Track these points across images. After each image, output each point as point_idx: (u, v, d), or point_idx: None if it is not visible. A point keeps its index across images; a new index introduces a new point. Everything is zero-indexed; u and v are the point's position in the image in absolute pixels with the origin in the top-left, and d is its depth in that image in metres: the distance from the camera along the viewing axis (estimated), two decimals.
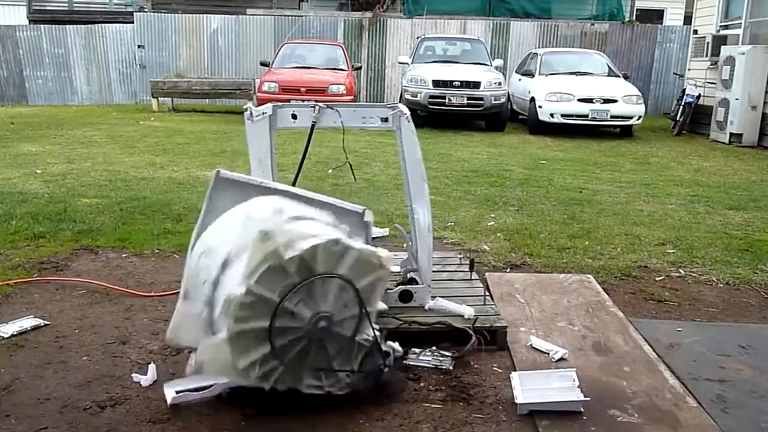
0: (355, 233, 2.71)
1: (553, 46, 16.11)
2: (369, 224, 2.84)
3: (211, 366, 2.37)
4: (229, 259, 2.39)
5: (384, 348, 2.63)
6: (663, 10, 21.89)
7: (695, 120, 12.47)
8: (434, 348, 3.01)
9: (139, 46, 16.64)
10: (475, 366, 2.94)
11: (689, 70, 13.49)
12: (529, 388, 2.65)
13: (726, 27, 12.36)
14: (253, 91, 13.58)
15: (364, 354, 2.55)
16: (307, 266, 2.33)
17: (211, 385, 2.46)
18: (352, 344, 2.52)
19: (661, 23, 20.09)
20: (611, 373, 2.89)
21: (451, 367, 2.89)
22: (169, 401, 2.51)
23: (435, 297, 3.31)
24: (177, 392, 2.51)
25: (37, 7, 18.94)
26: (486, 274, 4.09)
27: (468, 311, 3.17)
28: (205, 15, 16.80)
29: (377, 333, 2.59)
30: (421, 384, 2.77)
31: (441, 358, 2.94)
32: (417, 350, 2.98)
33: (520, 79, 13.58)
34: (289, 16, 17.19)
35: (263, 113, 3.17)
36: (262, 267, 2.28)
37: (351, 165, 3.55)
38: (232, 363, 2.33)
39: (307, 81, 12.36)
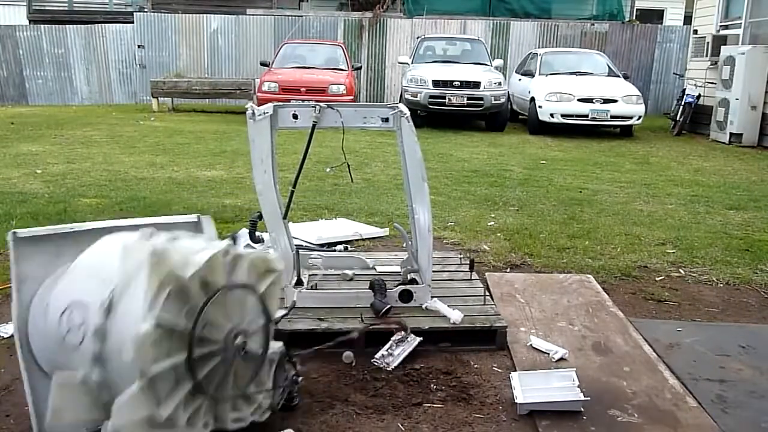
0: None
1: (553, 46, 16.11)
2: (208, 229, 2.62)
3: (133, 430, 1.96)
4: (113, 301, 2.02)
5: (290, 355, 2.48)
6: (663, 10, 21.89)
7: (695, 120, 12.47)
8: (397, 337, 2.97)
9: (139, 46, 16.64)
10: (475, 366, 2.94)
11: (689, 70, 13.49)
12: (529, 388, 2.65)
13: (726, 27, 12.36)
14: (253, 91, 13.58)
15: (274, 368, 2.37)
16: (207, 282, 2.07)
17: None
18: (264, 360, 2.28)
19: (661, 23, 20.09)
20: (611, 373, 2.89)
21: (416, 343, 2.93)
22: None
23: (433, 298, 3.31)
24: None
25: (37, 7, 18.94)
26: (486, 274, 4.08)
27: (456, 316, 3.12)
28: (205, 15, 16.81)
29: (279, 344, 2.41)
30: (421, 384, 2.77)
31: (408, 339, 2.95)
32: (383, 347, 2.93)
33: (520, 79, 13.58)
34: (289, 16, 17.19)
35: (265, 113, 3.16)
36: (163, 293, 1.96)
37: (349, 165, 3.54)
38: (152, 417, 1.95)
39: (307, 81, 12.35)
